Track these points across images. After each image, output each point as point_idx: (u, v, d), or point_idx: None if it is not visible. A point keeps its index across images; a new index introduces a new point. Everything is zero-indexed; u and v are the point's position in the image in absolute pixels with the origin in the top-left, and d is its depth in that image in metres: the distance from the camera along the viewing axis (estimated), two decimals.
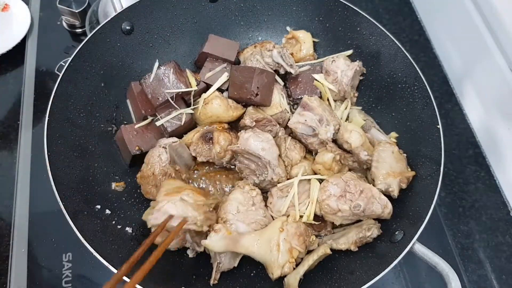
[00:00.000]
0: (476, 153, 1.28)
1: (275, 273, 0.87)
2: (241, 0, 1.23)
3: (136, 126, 1.06)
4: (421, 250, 0.86)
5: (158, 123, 1.06)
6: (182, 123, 1.06)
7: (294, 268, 0.88)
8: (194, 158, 1.05)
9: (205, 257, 0.94)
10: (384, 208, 0.92)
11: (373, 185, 0.96)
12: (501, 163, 1.24)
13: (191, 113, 1.08)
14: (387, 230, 0.94)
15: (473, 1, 1.29)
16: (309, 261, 0.90)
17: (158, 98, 1.04)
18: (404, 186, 0.97)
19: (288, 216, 0.93)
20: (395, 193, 0.95)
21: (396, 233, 0.91)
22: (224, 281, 0.90)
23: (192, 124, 1.09)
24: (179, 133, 1.08)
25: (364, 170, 1.04)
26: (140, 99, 1.07)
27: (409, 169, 1.00)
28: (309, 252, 0.93)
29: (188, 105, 1.09)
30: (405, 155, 1.02)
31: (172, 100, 1.04)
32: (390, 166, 0.97)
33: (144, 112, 1.07)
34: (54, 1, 1.35)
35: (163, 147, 1.00)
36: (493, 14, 1.20)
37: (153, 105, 1.04)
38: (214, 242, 0.86)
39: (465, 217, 1.18)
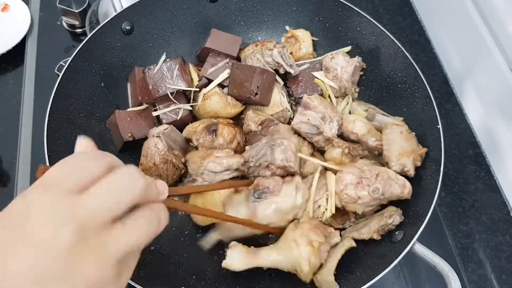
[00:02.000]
0: (476, 153, 1.28)
1: (304, 269, 0.85)
2: (241, 0, 1.24)
3: (129, 109, 1.08)
4: (421, 250, 0.86)
5: (155, 113, 1.07)
6: (178, 117, 1.07)
7: (321, 264, 0.87)
8: (188, 141, 1.06)
9: (205, 257, 0.94)
10: (403, 187, 0.92)
11: (388, 168, 0.96)
12: (501, 163, 1.24)
13: (190, 110, 1.09)
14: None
15: (473, 1, 1.29)
16: (338, 255, 0.89)
17: (158, 91, 1.05)
18: (418, 163, 0.97)
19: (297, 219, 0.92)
20: (411, 172, 0.95)
21: (396, 233, 0.91)
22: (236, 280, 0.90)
23: (189, 120, 1.10)
24: (174, 126, 1.08)
25: (376, 156, 1.04)
26: (140, 85, 1.08)
27: (420, 147, 1.00)
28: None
29: (188, 100, 1.10)
30: (414, 133, 1.02)
31: (172, 95, 1.05)
32: (401, 146, 0.97)
33: (141, 99, 1.08)
34: (54, 1, 1.35)
35: (156, 136, 1.00)
36: (493, 14, 1.20)
37: (153, 96, 1.06)
38: (234, 259, 0.85)
39: (465, 217, 1.18)
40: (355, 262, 0.91)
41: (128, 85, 1.15)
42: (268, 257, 0.87)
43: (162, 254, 0.93)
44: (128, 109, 1.09)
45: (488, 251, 1.13)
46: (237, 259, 0.85)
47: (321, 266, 0.88)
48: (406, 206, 0.95)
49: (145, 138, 1.03)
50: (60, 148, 0.94)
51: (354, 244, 0.92)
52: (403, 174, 0.96)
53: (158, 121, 1.09)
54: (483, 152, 1.28)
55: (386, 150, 0.98)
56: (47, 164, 0.89)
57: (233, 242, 0.88)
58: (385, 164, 1.00)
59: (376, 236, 0.92)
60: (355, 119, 1.02)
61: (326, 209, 0.94)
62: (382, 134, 1.01)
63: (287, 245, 0.86)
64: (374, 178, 0.90)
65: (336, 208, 0.94)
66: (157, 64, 1.06)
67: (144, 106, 1.09)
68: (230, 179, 0.98)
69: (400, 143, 0.98)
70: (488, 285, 1.09)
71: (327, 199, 0.94)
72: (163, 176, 1.00)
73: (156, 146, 0.99)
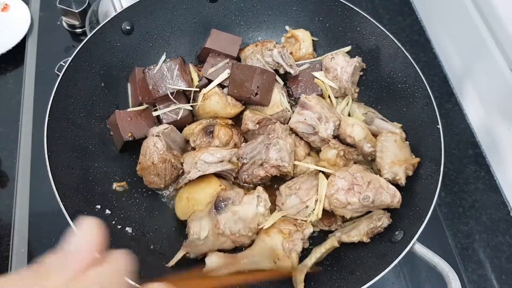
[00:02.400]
0: (476, 153, 1.28)
1: (279, 254, 0.87)
2: (241, 0, 1.24)
3: (129, 109, 1.08)
4: (421, 250, 0.86)
5: (155, 113, 1.08)
6: (179, 117, 1.07)
7: (300, 254, 0.89)
8: (187, 141, 1.07)
9: (205, 257, 0.94)
10: (393, 197, 0.93)
11: (380, 175, 0.97)
12: (501, 163, 1.24)
13: (190, 110, 1.09)
14: (387, 230, 0.94)
15: (473, 1, 1.29)
16: (317, 253, 0.91)
17: (159, 91, 1.05)
18: (410, 173, 0.97)
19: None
20: (403, 181, 0.96)
21: (396, 233, 0.91)
22: None
23: (189, 120, 1.10)
24: (174, 126, 1.08)
25: (369, 162, 1.04)
26: (140, 86, 1.08)
27: (413, 156, 1.00)
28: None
29: (188, 100, 1.11)
30: (407, 143, 1.02)
31: (172, 95, 1.06)
32: (395, 154, 0.98)
33: (141, 99, 1.08)
34: (54, 1, 1.35)
35: (156, 135, 1.01)
36: (493, 14, 1.20)
37: (153, 96, 1.06)
38: (214, 264, 0.86)
39: (465, 217, 1.18)
40: (355, 262, 0.91)
41: (129, 85, 1.15)
42: (246, 257, 0.89)
43: (162, 254, 0.93)
44: (128, 109, 1.09)
45: (488, 251, 1.13)
46: (216, 263, 0.87)
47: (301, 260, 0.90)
48: (406, 206, 0.95)
49: (146, 138, 1.03)
50: (60, 148, 0.94)
51: (336, 244, 0.93)
52: (394, 182, 0.96)
53: (158, 121, 1.09)
54: (483, 152, 1.28)
55: (380, 157, 0.99)
56: (47, 164, 0.89)
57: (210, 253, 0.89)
58: (377, 170, 1.01)
59: (365, 239, 0.92)
60: (354, 123, 1.02)
61: (313, 212, 0.94)
62: (377, 141, 1.02)
63: (260, 240, 0.89)
64: (365, 185, 0.91)
65: (324, 210, 0.95)
66: (157, 64, 1.06)
67: (144, 106, 1.09)
68: (223, 172, 0.98)
69: (394, 151, 0.98)
70: (488, 285, 1.09)
71: (316, 201, 0.95)
72: (160, 176, 1.00)
73: (155, 145, 0.99)
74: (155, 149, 0.99)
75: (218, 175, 1.01)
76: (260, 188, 0.93)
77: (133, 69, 1.11)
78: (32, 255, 1.02)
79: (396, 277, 1.07)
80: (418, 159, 0.99)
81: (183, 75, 1.07)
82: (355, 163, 1.03)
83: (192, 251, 0.89)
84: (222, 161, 0.97)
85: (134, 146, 1.04)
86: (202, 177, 0.98)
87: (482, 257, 1.12)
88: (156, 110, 1.08)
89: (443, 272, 0.83)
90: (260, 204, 0.89)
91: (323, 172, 1.00)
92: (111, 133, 1.07)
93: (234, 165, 0.98)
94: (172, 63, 1.06)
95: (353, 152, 1.02)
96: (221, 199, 0.90)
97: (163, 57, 1.12)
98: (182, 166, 1.01)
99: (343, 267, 0.91)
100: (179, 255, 0.88)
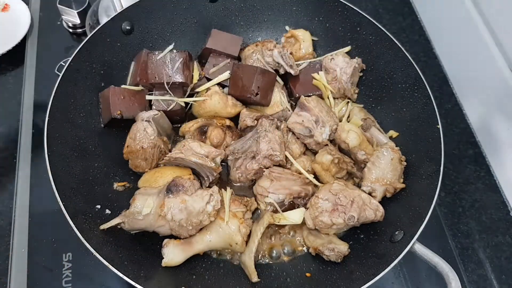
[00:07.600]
0: (476, 153, 1.28)
1: (238, 240, 0.89)
2: (241, 0, 1.24)
3: (124, 86, 1.09)
4: (421, 250, 0.86)
5: (148, 97, 1.09)
6: (169, 109, 1.08)
7: (248, 241, 0.92)
8: (173, 128, 1.10)
9: (205, 258, 0.95)
10: (376, 212, 0.93)
11: (360, 184, 0.98)
12: (501, 163, 1.24)
13: (183, 106, 1.10)
14: (387, 230, 0.94)
15: (473, 1, 1.29)
16: (258, 235, 0.91)
17: (155, 77, 1.07)
18: (389, 195, 0.98)
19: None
20: (378, 198, 0.96)
21: (396, 233, 0.91)
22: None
23: (180, 114, 1.11)
24: None
25: (362, 169, 1.04)
26: (141, 67, 1.09)
27: (402, 180, 1.00)
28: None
29: (184, 95, 1.11)
30: (404, 164, 1.01)
31: (168, 85, 1.06)
32: (383, 172, 0.98)
33: (139, 79, 1.08)
34: (54, 1, 1.35)
35: (146, 120, 1.01)
36: (493, 14, 1.20)
37: (149, 80, 1.07)
38: (171, 255, 0.88)
39: (465, 217, 1.18)
40: (355, 262, 0.91)
41: (132, 63, 1.15)
42: (202, 242, 0.90)
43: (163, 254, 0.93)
44: (123, 86, 1.09)
45: (488, 251, 1.13)
46: (174, 254, 0.88)
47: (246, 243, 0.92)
48: (406, 206, 0.96)
49: (133, 119, 1.04)
50: (60, 148, 0.94)
51: (272, 220, 0.94)
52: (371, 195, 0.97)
53: (150, 106, 1.10)
54: (483, 152, 1.28)
55: (368, 169, 0.99)
56: (47, 164, 0.89)
57: (165, 240, 0.90)
58: (359, 177, 1.02)
59: (312, 252, 0.94)
60: (350, 129, 1.02)
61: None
62: (375, 151, 1.01)
63: (216, 225, 0.90)
64: (349, 205, 0.91)
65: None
66: (162, 52, 1.07)
67: (140, 87, 1.10)
68: (203, 168, 0.98)
69: (384, 169, 0.98)
70: (488, 285, 1.09)
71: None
72: (148, 160, 1.01)
73: (145, 130, 1.00)
74: (145, 134, 1.00)
75: (197, 173, 1.01)
76: (215, 188, 0.92)
77: (141, 50, 1.12)
78: (32, 255, 1.02)
79: (396, 277, 1.07)
80: (403, 185, 0.98)
81: (184, 70, 1.07)
82: (348, 173, 1.04)
83: (128, 223, 0.89)
84: (207, 157, 0.98)
85: (119, 125, 1.05)
86: (181, 166, 1.00)
87: (482, 257, 1.12)
88: (151, 94, 1.09)
89: (443, 272, 0.83)
90: (211, 203, 0.89)
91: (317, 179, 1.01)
92: (101, 106, 1.07)
93: (216, 165, 0.98)
94: (177, 55, 1.07)
95: (349, 164, 1.02)
96: (175, 183, 0.89)
97: (171, 47, 1.12)
98: (170, 151, 1.02)
99: (343, 267, 0.91)
100: (114, 222, 0.89)
